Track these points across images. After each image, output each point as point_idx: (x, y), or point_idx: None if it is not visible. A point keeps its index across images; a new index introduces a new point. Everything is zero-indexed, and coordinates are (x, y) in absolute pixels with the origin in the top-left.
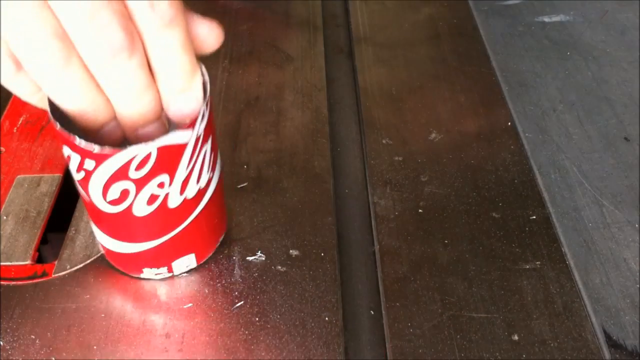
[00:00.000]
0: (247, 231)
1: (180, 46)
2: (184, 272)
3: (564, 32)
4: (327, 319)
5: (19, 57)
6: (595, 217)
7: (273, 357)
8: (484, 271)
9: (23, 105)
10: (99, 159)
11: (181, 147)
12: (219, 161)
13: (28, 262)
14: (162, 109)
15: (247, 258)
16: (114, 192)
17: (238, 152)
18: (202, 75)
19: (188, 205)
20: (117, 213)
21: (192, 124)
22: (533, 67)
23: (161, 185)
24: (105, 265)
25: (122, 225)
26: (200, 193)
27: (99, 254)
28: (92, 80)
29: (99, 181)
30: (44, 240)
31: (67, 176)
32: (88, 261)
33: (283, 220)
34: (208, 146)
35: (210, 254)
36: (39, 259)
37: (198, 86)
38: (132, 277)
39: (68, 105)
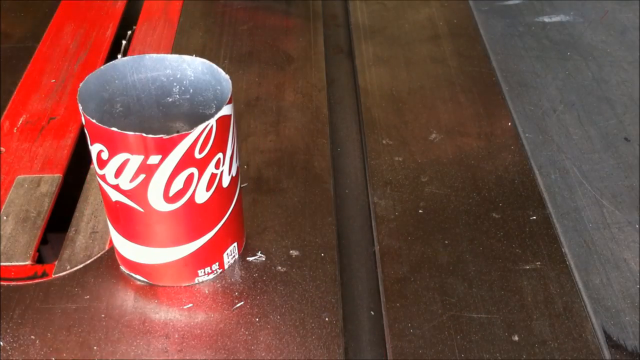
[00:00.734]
0: (247, 231)
1: None
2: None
3: (564, 32)
4: (327, 319)
5: None
6: (596, 217)
7: (273, 357)
8: (484, 271)
9: (23, 105)
10: (168, 148)
11: (228, 120)
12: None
13: (28, 262)
14: None
15: (247, 258)
16: (178, 183)
17: (238, 152)
18: None
19: (234, 183)
20: (177, 209)
21: (230, 100)
22: (533, 67)
23: (217, 164)
24: (105, 265)
25: (180, 222)
26: (238, 171)
27: (99, 254)
28: None
29: (163, 176)
30: (44, 240)
31: (67, 176)
32: (88, 261)
33: (283, 220)
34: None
35: (244, 243)
36: (39, 259)
37: None
38: (183, 285)
39: None
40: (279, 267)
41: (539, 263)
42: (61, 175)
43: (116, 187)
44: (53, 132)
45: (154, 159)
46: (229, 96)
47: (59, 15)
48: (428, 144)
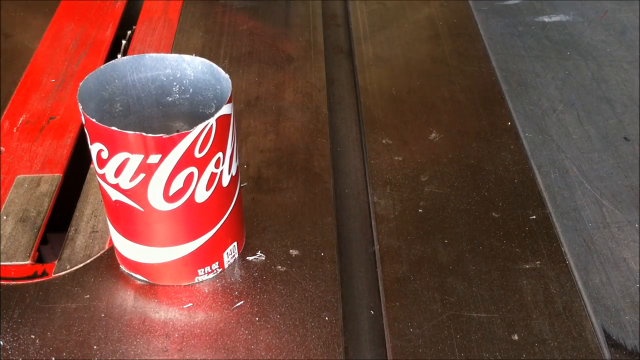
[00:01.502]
0: (247, 231)
1: None
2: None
3: (563, 32)
4: (327, 318)
5: None
6: (595, 217)
7: (273, 356)
8: (483, 271)
9: (23, 105)
10: (168, 147)
11: (227, 119)
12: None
13: (28, 262)
14: None
15: (247, 258)
16: (178, 182)
17: (238, 151)
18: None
19: (234, 183)
20: (177, 208)
21: (230, 99)
22: (533, 67)
23: (217, 163)
24: (105, 265)
25: (180, 221)
26: (238, 171)
27: (98, 254)
28: None
29: (163, 175)
30: (44, 240)
31: (67, 176)
32: (88, 261)
33: (283, 220)
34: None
35: (243, 243)
36: (39, 259)
37: None
38: (183, 285)
39: None
40: (279, 267)
41: (539, 262)
42: (61, 174)
43: (116, 187)
44: (53, 132)
45: (153, 158)
46: (229, 96)
47: (59, 15)
48: (428, 143)
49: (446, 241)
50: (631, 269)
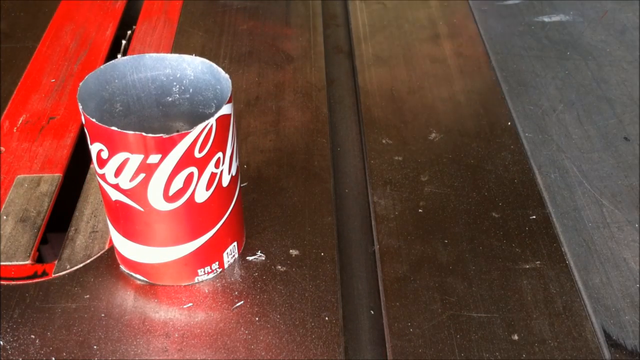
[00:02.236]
0: (247, 231)
1: None
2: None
3: (563, 32)
4: (327, 318)
5: None
6: (595, 217)
7: (273, 356)
8: (483, 271)
9: (23, 105)
10: (168, 147)
11: (227, 119)
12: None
13: (28, 262)
14: None
15: (247, 258)
16: (178, 182)
17: (238, 151)
18: None
19: (234, 182)
20: (177, 208)
21: (230, 99)
22: (533, 67)
23: (217, 163)
24: (105, 265)
25: (180, 221)
26: (238, 171)
27: (98, 254)
28: None
29: (163, 175)
30: (44, 240)
31: (67, 176)
32: (88, 261)
33: (283, 220)
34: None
35: (243, 243)
36: (39, 259)
37: None
38: (183, 285)
39: None
40: (279, 267)
41: (539, 262)
42: (61, 174)
43: (116, 187)
44: (53, 132)
45: (153, 158)
46: (229, 95)
47: (59, 15)
48: (428, 143)
49: (446, 241)
50: (631, 269)
